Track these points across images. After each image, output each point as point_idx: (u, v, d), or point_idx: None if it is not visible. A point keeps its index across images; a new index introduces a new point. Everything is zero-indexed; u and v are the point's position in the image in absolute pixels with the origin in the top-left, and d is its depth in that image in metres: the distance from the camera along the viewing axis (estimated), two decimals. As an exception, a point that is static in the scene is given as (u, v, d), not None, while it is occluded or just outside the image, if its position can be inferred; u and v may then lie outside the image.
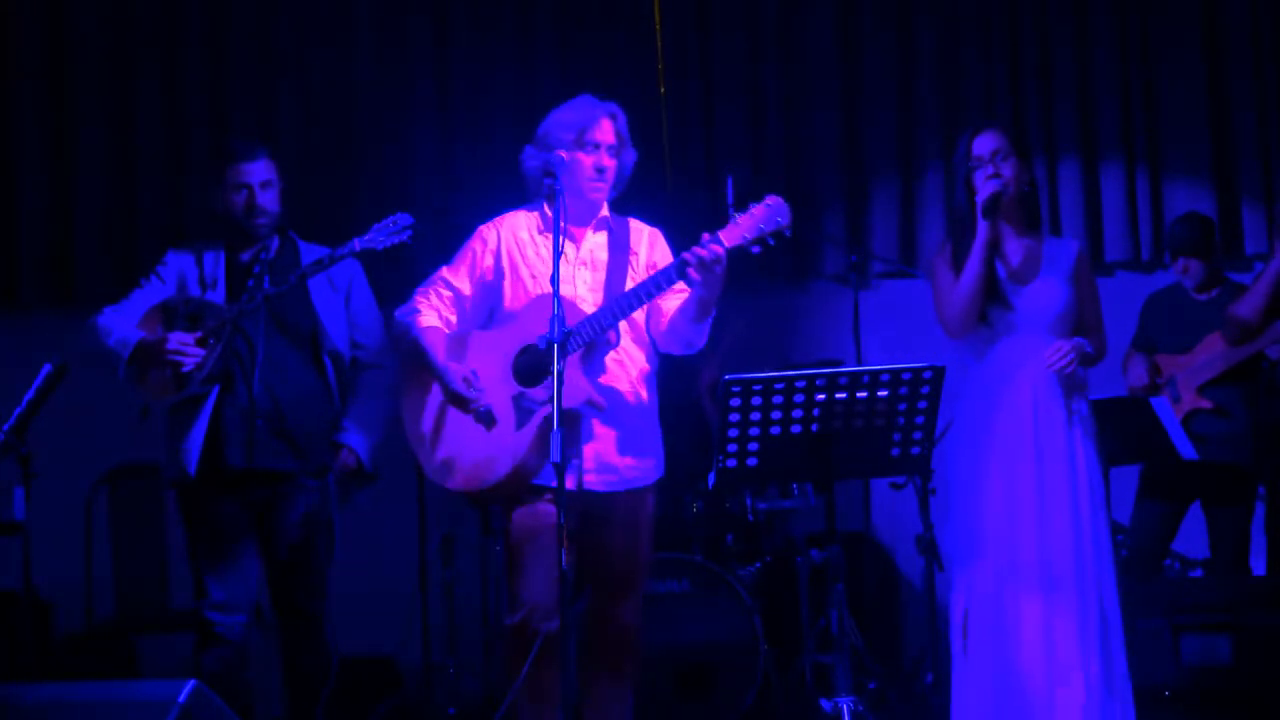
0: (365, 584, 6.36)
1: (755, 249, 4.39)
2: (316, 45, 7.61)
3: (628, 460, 4.64)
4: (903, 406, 4.47)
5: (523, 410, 4.53)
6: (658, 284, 4.45)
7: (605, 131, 4.66)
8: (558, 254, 4.34)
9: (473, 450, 4.58)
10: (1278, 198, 7.38)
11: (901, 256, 7.47)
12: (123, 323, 5.09)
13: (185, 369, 4.98)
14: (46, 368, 5.43)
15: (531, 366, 4.54)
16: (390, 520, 6.69)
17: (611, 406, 4.58)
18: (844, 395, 4.44)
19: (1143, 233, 7.47)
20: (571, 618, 4.28)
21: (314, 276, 5.11)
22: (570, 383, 4.42)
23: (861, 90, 7.60)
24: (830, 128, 7.57)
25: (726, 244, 4.36)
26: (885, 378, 4.44)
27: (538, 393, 4.50)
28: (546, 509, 4.52)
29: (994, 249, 4.98)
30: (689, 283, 4.45)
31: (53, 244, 7.50)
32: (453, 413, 4.62)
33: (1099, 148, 7.50)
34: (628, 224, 4.78)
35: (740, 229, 4.38)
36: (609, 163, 4.66)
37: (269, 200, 5.16)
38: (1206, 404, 6.37)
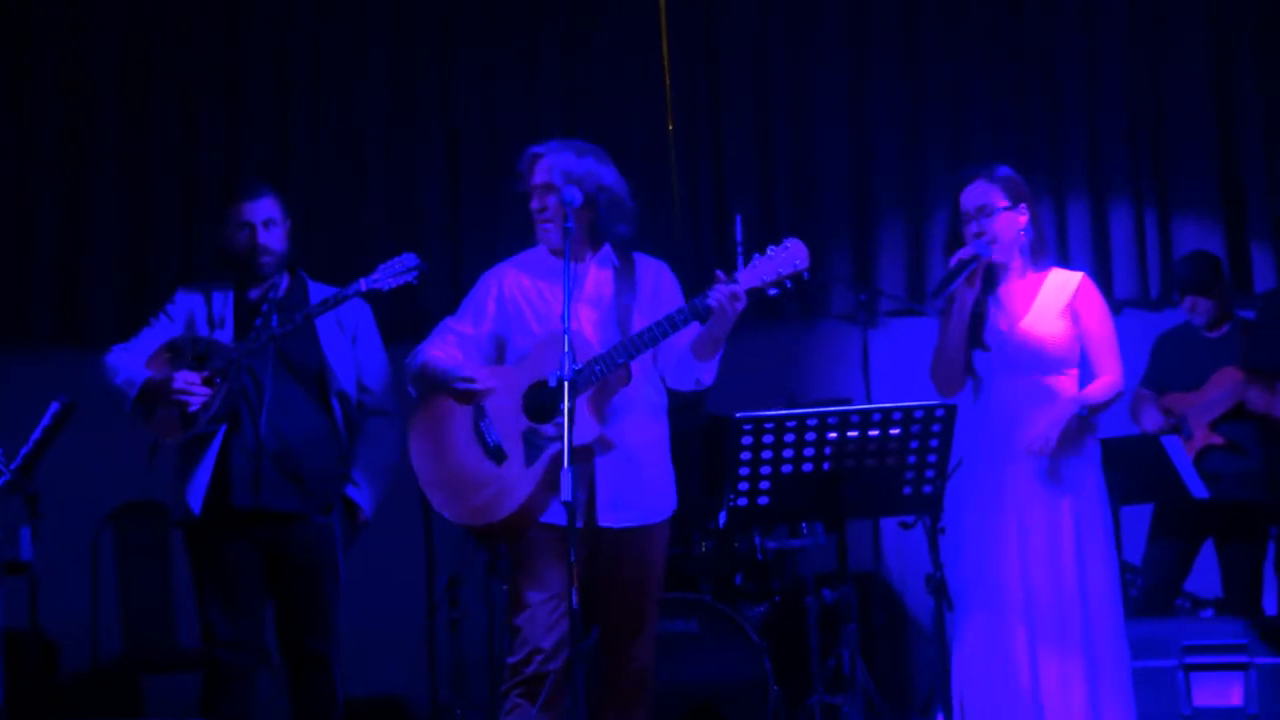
0: (372, 624, 6.34)
1: (773, 291, 4.40)
2: (328, 90, 7.68)
3: (639, 496, 4.63)
4: (914, 445, 4.45)
5: (533, 446, 4.52)
6: (673, 322, 4.44)
7: (536, 174, 4.70)
8: (569, 291, 4.35)
9: (482, 486, 4.57)
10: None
11: (910, 295, 7.46)
12: (130, 361, 5.08)
13: (191, 409, 4.96)
14: (54, 406, 5.43)
15: (541, 403, 4.53)
16: (397, 560, 6.67)
17: (623, 443, 4.57)
18: (855, 434, 4.42)
19: (1151, 271, 7.46)
20: (580, 656, 4.26)
21: (321, 316, 5.10)
22: (581, 420, 4.41)
23: (870, 128, 7.61)
24: (839, 165, 7.59)
25: (744, 285, 4.37)
26: (897, 416, 4.42)
27: (548, 429, 4.50)
28: (551, 547, 4.51)
29: (978, 308, 4.93)
30: (701, 322, 4.44)
31: (65, 283, 7.56)
32: (462, 448, 4.61)
33: (1107, 186, 7.50)
34: (634, 259, 4.78)
35: (758, 271, 4.39)
36: (546, 201, 4.68)
37: (273, 239, 5.16)
38: (1218, 440, 6.35)
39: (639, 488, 4.63)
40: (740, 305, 4.38)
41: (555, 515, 4.50)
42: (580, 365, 4.42)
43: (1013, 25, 7.60)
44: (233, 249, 5.18)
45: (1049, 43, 7.59)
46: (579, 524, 4.47)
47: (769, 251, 4.40)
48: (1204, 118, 7.46)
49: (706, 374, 4.60)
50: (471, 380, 4.57)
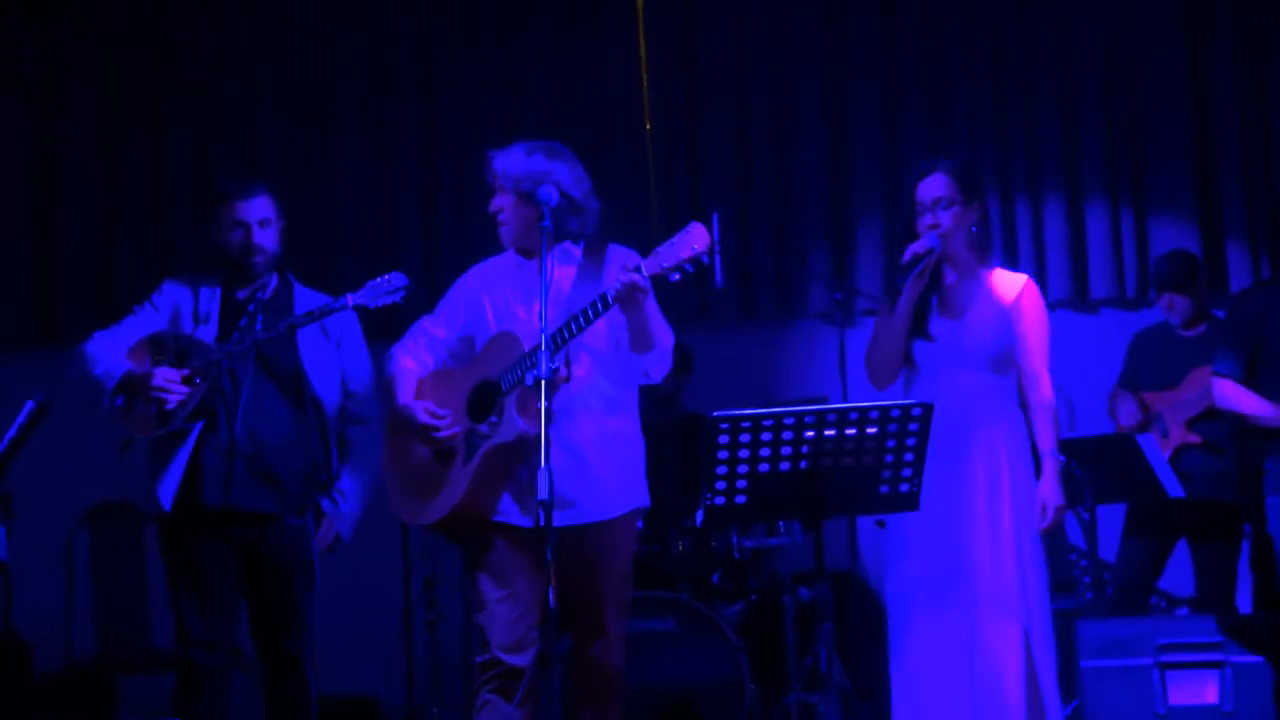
0: (349, 624, 6.33)
1: (674, 276, 4.39)
2: (300, 90, 7.66)
3: (585, 493, 4.61)
4: (891, 444, 4.45)
5: (470, 445, 4.56)
6: (586, 316, 4.44)
7: (489, 177, 4.76)
8: (545, 290, 4.34)
9: (428, 485, 4.63)
10: (1261, 235, 7.40)
11: (886, 294, 7.45)
12: (111, 351, 5.07)
13: (169, 406, 4.96)
14: (28, 405, 5.40)
15: (480, 402, 4.58)
16: (374, 560, 6.64)
17: (567, 440, 4.55)
18: (833, 432, 4.42)
19: (1127, 270, 7.48)
20: (555, 656, 4.28)
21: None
22: (508, 420, 4.47)
23: (846, 128, 7.62)
24: (815, 165, 7.59)
25: (647, 273, 4.38)
26: (874, 414, 4.41)
27: (482, 428, 4.54)
28: (507, 545, 4.56)
29: (923, 301, 4.96)
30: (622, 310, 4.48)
31: (37, 284, 7.54)
32: (418, 449, 4.66)
33: (1083, 185, 7.52)
34: (606, 253, 4.76)
35: (659, 258, 4.39)
36: (499, 203, 4.73)
37: (267, 239, 5.15)
38: (1195, 438, 6.36)
39: (584, 485, 4.61)
40: (643, 295, 4.40)
41: (507, 514, 4.56)
42: (509, 365, 4.49)
43: (990, 26, 7.62)
44: (225, 248, 5.16)
45: (1026, 44, 7.60)
46: (527, 523, 4.55)
47: (670, 239, 4.40)
48: (1179, 117, 7.48)
49: (652, 367, 4.62)
50: (437, 428, 4.61)
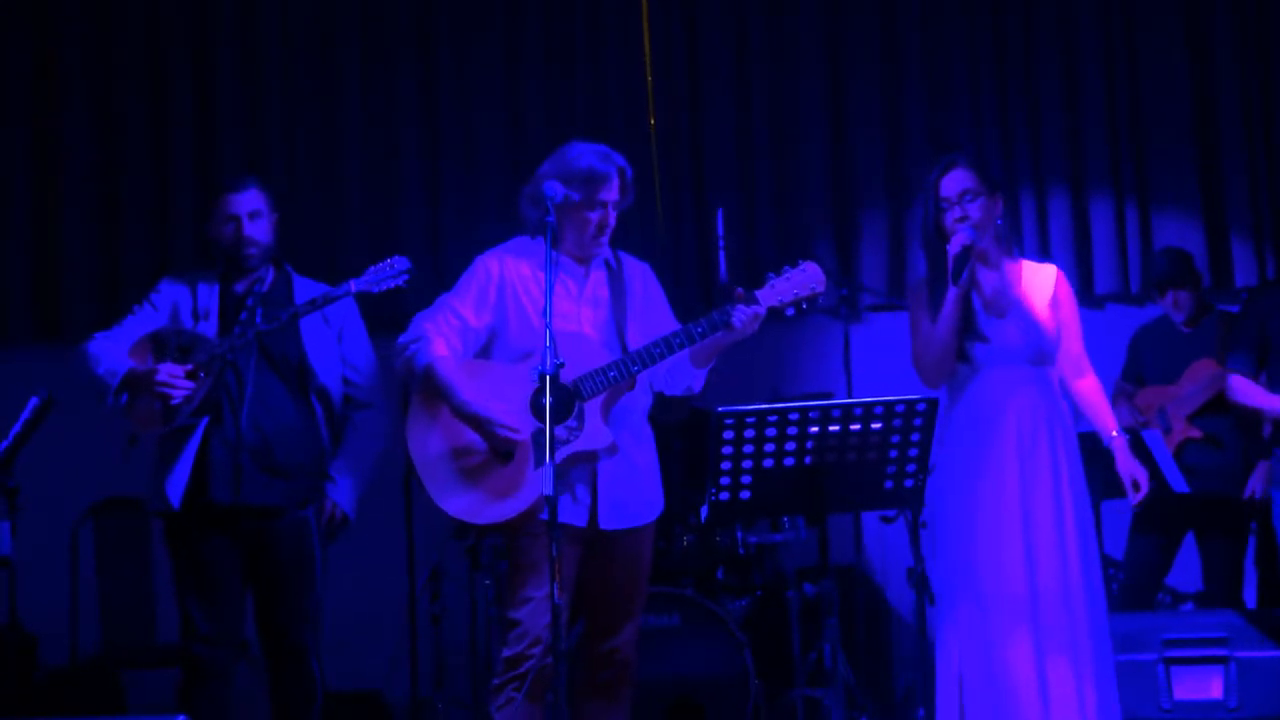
0: (353, 617, 6.32)
1: (789, 311, 4.57)
2: (303, 85, 7.65)
3: (636, 498, 4.69)
4: (895, 439, 4.46)
5: (542, 448, 4.51)
6: (690, 335, 4.52)
7: (613, 190, 4.71)
8: (550, 289, 4.36)
9: (490, 484, 4.59)
10: (1266, 229, 7.39)
11: (891, 289, 7.46)
12: (113, 350, 5.06)
13: (174, 401, 4.95)
14: (33, 401, 5.41)
15: (553, 404, 4.53)
16: (378, 553, 6.65)
17: (623, 447, 4.63)
18: (837, 428, 4.43)
19: (1132, 265, 7.47)
20: (564, 651, 4.28)
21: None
22: (593, 426, 4.53)
23: (849, 123, 7.61)
24: (819, 160, 7.58)
25: (764, 304, 4.52)
26: (878, 410, 4.43)
27: (559, 431, 4.51)
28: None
29: (967, 295, 4.93)
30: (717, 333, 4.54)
31: (39, 281, 7.53)
32: (467, 443, 4.61)
33: (1088, 181, 7.50)
34: (623, 260, 4.82)
35: (777, 292, 4.54)
36: (612, 219, 4.72)
37: (258, 231, 5.15)
38: (1196, 433, 6.36)
39: (637, 490, 4.69)
40: (757, 325, 4.52)
41: (561, 512, 4.52)
42: (588, 369, 4.51)
43: (991, 21, 7.61)
44: (219, 241, 5.17)
45: (1027, 38, 7.59)
46: (582, 523, 4.58)
47: (786, 273, 4.56)
48: (1183, 111, 7.47)
49: (699, 381, 4.72)
50: (515, 430, 4.57)
